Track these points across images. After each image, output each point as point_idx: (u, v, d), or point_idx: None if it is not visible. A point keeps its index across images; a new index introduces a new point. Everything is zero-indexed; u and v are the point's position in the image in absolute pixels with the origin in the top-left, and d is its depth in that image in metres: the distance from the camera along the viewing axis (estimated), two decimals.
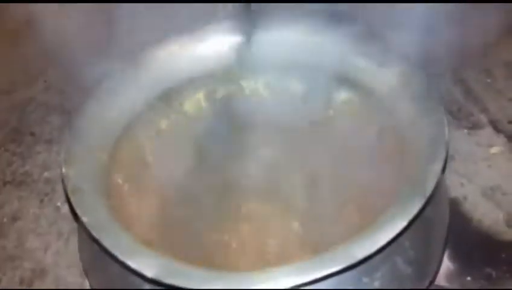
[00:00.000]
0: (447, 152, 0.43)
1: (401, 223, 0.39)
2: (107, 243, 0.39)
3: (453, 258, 0.57)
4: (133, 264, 0.38)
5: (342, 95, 0.59)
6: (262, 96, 0.63)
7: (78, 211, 0.41)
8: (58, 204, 0.67)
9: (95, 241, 0.40)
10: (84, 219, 0.41)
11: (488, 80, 0.75)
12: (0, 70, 0.89)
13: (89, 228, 0.40)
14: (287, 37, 0.57)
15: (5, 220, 0.66)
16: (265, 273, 0.37)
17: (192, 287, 0.36)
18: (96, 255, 0.44)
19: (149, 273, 0.37)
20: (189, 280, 0.36)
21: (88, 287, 0.57)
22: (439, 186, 0.47)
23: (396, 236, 0.38)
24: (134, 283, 0.41)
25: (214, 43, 0.58)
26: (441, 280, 0.56)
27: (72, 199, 0.42)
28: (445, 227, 0.48)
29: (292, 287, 0.36)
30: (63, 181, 0.45)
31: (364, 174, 0.56)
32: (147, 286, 0.40)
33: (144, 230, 0.50)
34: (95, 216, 0.41)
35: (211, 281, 0.36)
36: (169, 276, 0.36)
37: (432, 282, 0.52)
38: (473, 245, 0.58)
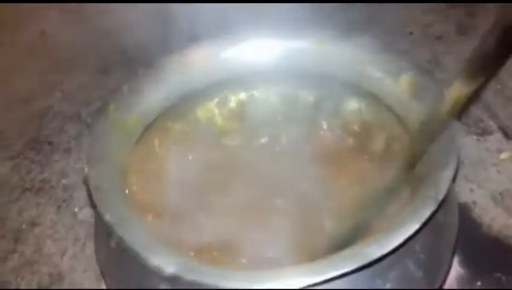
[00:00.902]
0: (459, 158, 0.44)
1: (414, 226, 0.40)
2: (128, 239, 0.40)
3: (463, 263, 0.58)
4: (154, 260, 0.38)
5: (353, 104, 0.60)
6: (273, 105, 0.65)
7: (100, 208, 0.42)
8: (76, 210, 0.68)
9: (116, 238, 0.41)
10: (107, 216, 0.42)
11: (498, 86, 0.75)
12: (18, 80, 0.91)
13: (111, 224, 0.41)
14: (298, 46, 0.59)
15: (24, 226, 0.68)
16: (280, 272, 0.38)
17: (212, 283, 0.37)
18: (113, 258, 0.46)
19: (169, 269, 0.38)
20: (209, 277, 0.37)
21: None
22: (449, 191, 0.48)
23: (408, 238, 0.39)
24: (151, 285, 0.42)
25: (228, 52, 0.59)
26: (451, 285, 0.56)
27: (95, 197, 0.43)
28: (454, 232, 0.49)
29: (305, 286, 0.37)
30: (85, 180, 0.46)
31: (375, 181, 0.57)
32: (165, 285, 0.41)
33: (161, 229, 0.51)
34: (116, 214, 0.42)
35: (229, 278, 0.37)
36: (189, 273, 0.37)
37: (441, 286, 0.52)
38: (483, 250, 0.59)
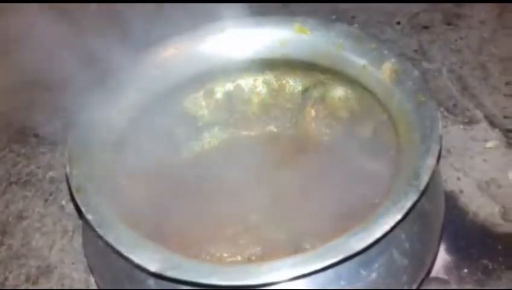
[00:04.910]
0: (441, 147, 0.44)
1: (396, 216, 0.40)
2: (111, 239, 0.40)
3: (450, 250, 0.58)
4: (136, 259, 0.39)
5: (338, 92, 0.60)
6: (260, 94, 0.64)
7: (83, 209, 0.42)
8: (63, 203, 0.68)
9: (100, 237, 0.41)
10: (89, 217, 0.42)
11: (484, 75, 0.76)
12: (3, 72, 0.90)
13: (94, 225, 0.41)
14: (283, 36, 0.58)
15: (10, 219, 0.67)
16: (264, 266, 0.38)
17: (194, 280, 0.37)
18: (101, 251, 0.46)
19: (152, 267, 0.38)
20: (190, 273, 0.37)
21: (93, 283, 0.58)
22: (434, 179, 0.48)
23: (391, 229, 0.40)
24: (138, 278, 0.42)
25: (213, 42, 0.59)
26: (439, 273, 0.57)
27: (77, 197, 0.43)
28: (440, 220, 0.49)
29: (291, 278, 0.37)
30: (67, 180, 0.46)
31: (361, 169, 0.57)
32: (151, 280, 0.41)
33: (146, 226, 0.50)
34: (99, 213, 0.42)
35: (211, 274, 0.37)
36: (171, 269, 0.37)
37: (428, 273, 0.53)
38: (470, 238, 0.59)
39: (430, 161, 0.43)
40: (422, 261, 0.47)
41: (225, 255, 0.51)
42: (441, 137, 0.44)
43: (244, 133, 0.65)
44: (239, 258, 0.51)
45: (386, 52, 0.52)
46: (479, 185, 0.63)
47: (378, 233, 0.39)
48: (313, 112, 0.63)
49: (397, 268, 0.44)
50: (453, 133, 0.69)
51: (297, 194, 0.57)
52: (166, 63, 0.57)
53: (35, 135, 0.78)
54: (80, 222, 0.57)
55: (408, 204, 0.40)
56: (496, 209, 0.61)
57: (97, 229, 0.40)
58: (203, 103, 0.63)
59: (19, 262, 0.63)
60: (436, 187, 0.50)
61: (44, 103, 0.82)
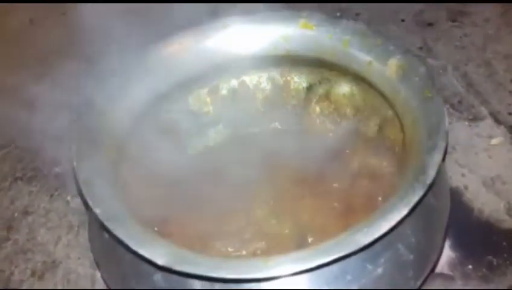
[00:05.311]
0: (447, 142, 0.44)
1: (403, 211, 0.40)
2: (119, 233, 0.40)
3: (455, 246, 0.58)
4: (144, 253, 0.39)
5: (343, 88, 0.60)
6: (265, 91, 0.64)
7: (90, 203, 0.42)
8: (68, 198, 0.68)
9: (108, 231, 0.41)
10: (97, 210, 0.42)
11: (489, 73, 0.76)
12: (7, 68, 0.90)
13: (102, 218, 0.41)
14: (289, 32, 0.58)
15: (16, 214, 0.68)
16: (271, 260, 0.38)
17: (202, 273, 0.37)
18: (107, 245, 0.46)
19: (160, 261, 0.38)
20: (198, 267, 0.37)
21: (99, 278, 0.58)
22: (440, 175, 0.48)
23: (397, 224, 0.40)
24: (145, 272, 0.42)
25: (217, 39, 0.59)
26: (443, 269, 0.57)
27: (84, 191, 0.43)
28: (446, 215, 0.49)
29: (298, 272, 0.38)
30: (74, 174, 0.46)
31: (366, 165, 0.57)
32: (158, 274, 0.42)
33: (150, 221, 0.51)
34: (106, 207, 0.42)
35: (219, 268, 0.37)
36: (179, 263, 0.38)
37: (433, 269, 0.53)
38: (474, 234, 0.59)
39: (437, 157, 0.43)
40: (427, 256, 0.47)
41: (230, 249, 0.51)
42: (447, 132, 0.44)
43: (249, 129, 0.65)
44: (244, 253, 0.51)
45: (392, 48, 0.52)
46: (484, 182, 0.63)
47: (384, 228, 0.39)
48: (317, 109, 0.64)
49: (403, 263, 0.44)
50: (458, 130, 0.69)
51: (302, 190, 0.57)
52: (171, 59, 0.57)
53: (41, 131, 0.78)
54: (86, 217, 0.57)
55: (415, 199, 0.40)
56: (501, 205, 0.61)
57: (105, 223, 0.41)
58: (208, 100, 0.63)
59: (24, 257, 0.63)
60: (442, 183, 0.50)
61: (50, 98, 0.83)
